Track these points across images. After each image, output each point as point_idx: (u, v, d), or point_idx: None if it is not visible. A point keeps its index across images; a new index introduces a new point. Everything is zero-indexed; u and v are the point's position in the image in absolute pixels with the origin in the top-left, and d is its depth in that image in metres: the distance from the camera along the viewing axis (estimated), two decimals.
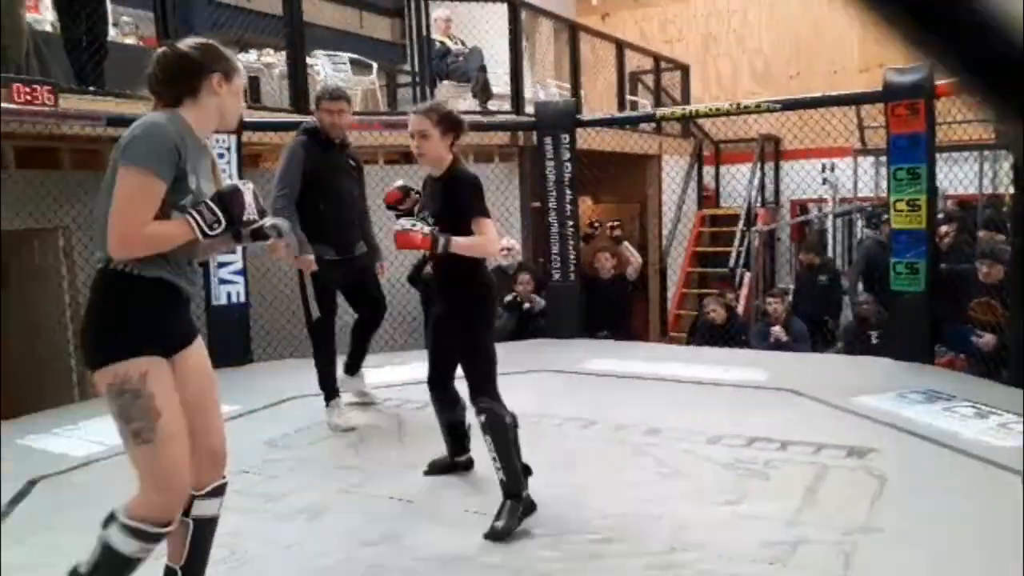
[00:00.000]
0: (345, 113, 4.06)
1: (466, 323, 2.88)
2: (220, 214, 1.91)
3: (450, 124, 2.85)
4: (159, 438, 1.88)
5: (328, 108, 4.00)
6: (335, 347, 4.13)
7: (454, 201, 2.82)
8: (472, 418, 2.96)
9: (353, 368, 4.32)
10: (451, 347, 2.96)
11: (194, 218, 1.89)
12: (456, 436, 3.27)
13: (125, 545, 1.90)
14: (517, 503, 2.77)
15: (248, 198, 1.97)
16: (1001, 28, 0.31)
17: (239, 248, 5.02)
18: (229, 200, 1.93)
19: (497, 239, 3.00)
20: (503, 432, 2.79)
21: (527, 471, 2.87)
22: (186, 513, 2.02)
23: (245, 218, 1.96)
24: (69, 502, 3.13)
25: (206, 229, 1.90)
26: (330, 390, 4.10)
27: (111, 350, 1.87)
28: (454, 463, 3.31)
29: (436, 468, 3.31)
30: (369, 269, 4.22)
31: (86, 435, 3.87)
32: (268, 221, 2.07)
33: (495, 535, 2.68)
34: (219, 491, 2.12)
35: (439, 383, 3.13)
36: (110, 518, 1.94)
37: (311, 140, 4.01)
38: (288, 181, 3.90)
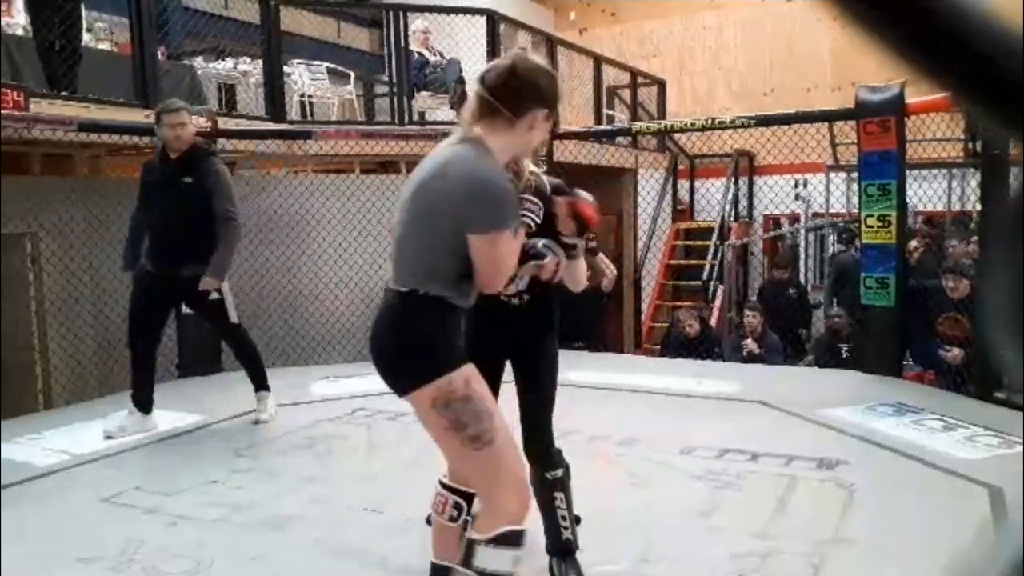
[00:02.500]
0: (187, 126, 3.99)
1: (548, 353, 2.56)
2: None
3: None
4: (498, 435, 1.84)
5: (168, 122, 3.95)
6: (154, 370, 4.17)
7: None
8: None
9: (255, 386, 4.34)
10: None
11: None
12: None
13: (503, 562, 1.82)
14: (575, 561, 2.46)
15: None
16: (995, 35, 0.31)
17: None
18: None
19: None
20: (569, 485, 2.48)
21: (577, 522, 2.54)
22: (469, 561, 1.88)
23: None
24: (31, 512, 3.06)
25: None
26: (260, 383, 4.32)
27: (433, 367, 1.82)
28: None
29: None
30: (198, 293, 3.98)
31: (49, 444, 3.79)
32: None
33: None
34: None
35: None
36: (469, 552, 1.84)
37: (158, 156, 4.09)
38: (138, 197, 4.16)
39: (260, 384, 4.30)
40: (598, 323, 6.69)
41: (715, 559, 2.57)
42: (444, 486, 2.13)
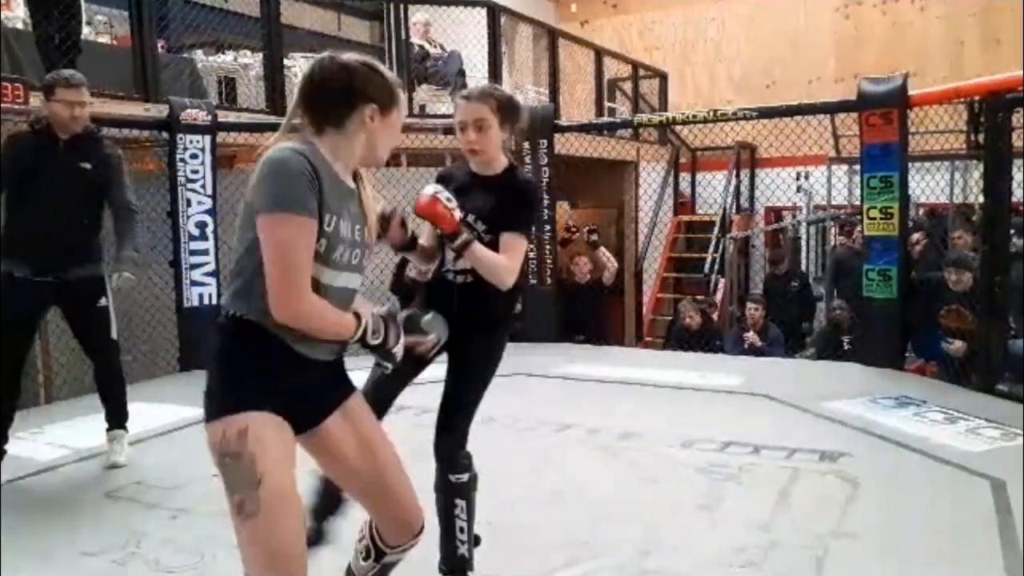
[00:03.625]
0: (85, 104, 3.35)
1: (478, 352, 2.31)
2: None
3: (511, 113, 2.28)
4: (266, 509, 1.59)
5: (66, 98, 3.27)
6: (17, 388, 3.41)
7: (503, 209, 2.22)
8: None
9: (108, 424, 3.61)
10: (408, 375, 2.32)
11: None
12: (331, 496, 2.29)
13: None
14: None
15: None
16: None
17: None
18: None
19: (517, 269, 2.21)
20: (473, 496, 2.28)
21: (477, 542, 2.34)
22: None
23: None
24: (33, 507, 3.06)
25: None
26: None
27: (227, 404, 1.60)
28: (320, 530, 2.33)
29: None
30: (88, 300, 3.43)
31: (51, 439, 3.79)
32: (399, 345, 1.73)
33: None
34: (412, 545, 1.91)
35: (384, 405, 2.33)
36: None
37: (31, 134, 3.35)
38: None
39: (120, 420, 3.60)
40: (599, 316, 6.68)
41: (717, 551, 2.57)
42: (369, 522, 1.93)
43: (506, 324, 2.41)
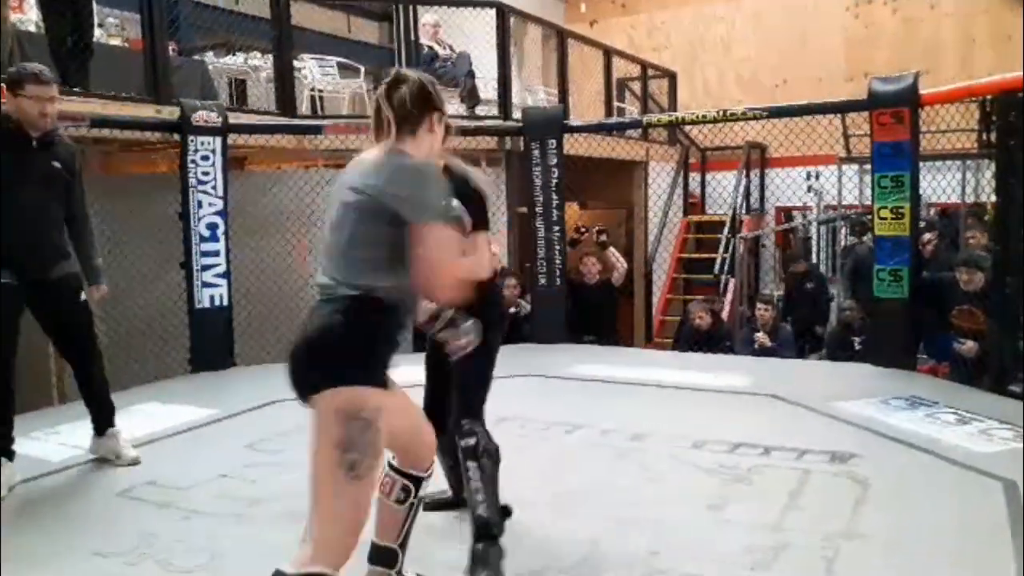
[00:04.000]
0: (55, 101, 3.23)
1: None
2: None
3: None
4: (371, 475, 1.87)
5: (36, 94, 3.15)
6: (13, 390, 3.32)
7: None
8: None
9: (97, 428, 3.57)
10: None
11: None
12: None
13: None
14: (499, 548, 2.41)
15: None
16: None
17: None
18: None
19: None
20: (495, 461, 2.49)
21: (506, 512, 2.56)
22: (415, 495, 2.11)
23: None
24: (46, 507, 3.09)
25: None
26: None
27: (354, 375, 1.87)
28: (459, 498, 2.77)
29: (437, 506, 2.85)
30: (70, 298, 3.39)
31: (64, 439, 3.81)
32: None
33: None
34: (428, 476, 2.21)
35: (442, 411, 2.58)
36: None
37: (3, 134, 3.19)
38: None
39: (112, 418, 3.58)
40: (609, 317, 6.68)
41: (727, 552, 2.56)
42: (393, 468, 2.16)
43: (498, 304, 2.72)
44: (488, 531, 2.42)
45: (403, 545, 2.15)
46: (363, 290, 1.84)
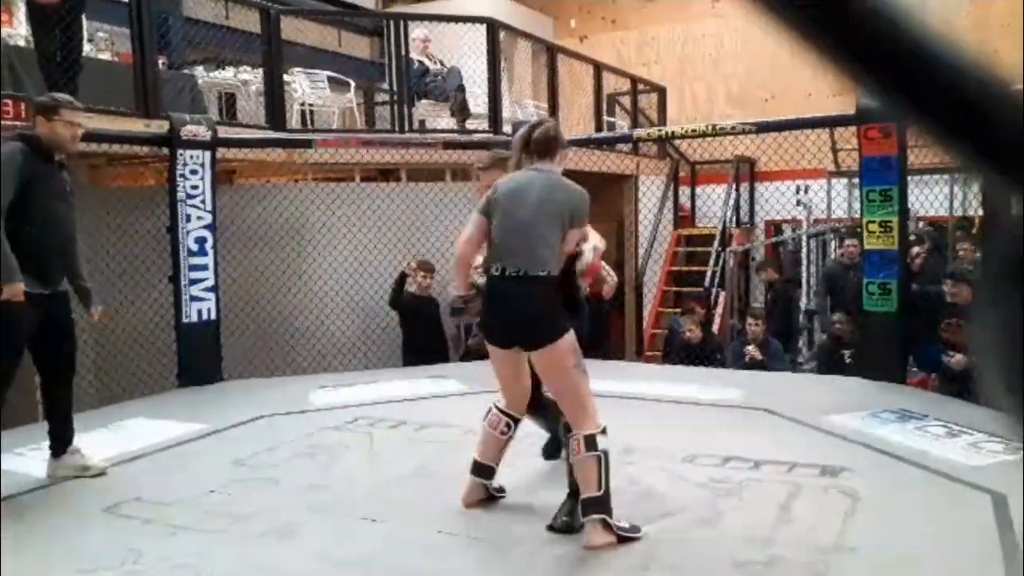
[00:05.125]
0: (83, 127, 3.52)
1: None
2: None
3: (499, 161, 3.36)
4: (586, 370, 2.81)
5: (71, 119, 3.41)
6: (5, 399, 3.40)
7: None
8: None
9: (58, 448, 3.56)
10: None
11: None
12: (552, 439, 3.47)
13: (605, 442, 2.75)
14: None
15: None
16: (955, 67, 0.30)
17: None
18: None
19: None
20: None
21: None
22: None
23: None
24: (31, 523, 3.05)
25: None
26: None
27: (563, 326, 2.75)
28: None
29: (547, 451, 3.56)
30: (67, 313, 3.54)
31: (48, 455, 3.76)
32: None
33: (564, 529, 2.84)
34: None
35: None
36: (591, 441, 2.71)
37: (31, 151, 3.34)
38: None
39: (71, 436, 3.59)
40: (600, 330, 6.67)
41: (718, 566, 2.55)
42: (500, 410, 3.05)
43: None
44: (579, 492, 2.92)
45: (497, 464, 3.03)
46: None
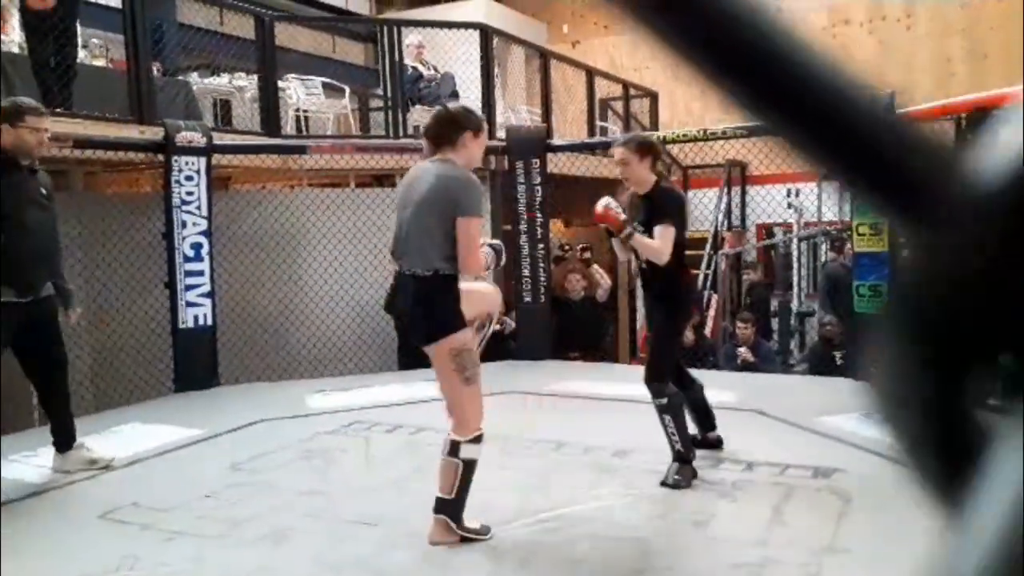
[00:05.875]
0: (48, 132, 3.54)
1: (659, 317, 3.47)
2: (494, 256, 2.85)
3: (646, 150, 3.37)
4: (479, 380, 2.76)
5: (35, 126, 3.42)
6: None
7: (652, 211, 3.30)
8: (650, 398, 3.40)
9: (63, 444, 3.67)
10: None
11: (490, 254, 2.82)
12: (700, 413, 3.73)
13: (474, 452, 2.75)
14: (688, 466, 3.34)
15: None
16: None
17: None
18: (499, 248, 2.91)
19: (669, 249, 3.28)
20: (679, 410, 3.38)
21: (696, 442, 3.54)
22: (456, 454, 2.73)
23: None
24: (27, 529, 3.06)
25: (491, 264, 2.84)
26: None
27: (453, 325, 2.69)
28: (705, 439, 3.72)
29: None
30: (53, 316, 3.60)
31: (44, 461, 3.77)
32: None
33: (672, 484, 3.27)
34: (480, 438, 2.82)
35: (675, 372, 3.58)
36: (455, 448, 2.73)
37: None
38: None
39: (74, 434, 3.71)
40: (594, 333, 6.71)
41: (712, 569, 2.58)
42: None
43: (678, 297, 3.47)
44: (682, 458, 3.34)
45: (454, 454, 2.79)
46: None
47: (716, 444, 3.75)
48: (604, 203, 3.29)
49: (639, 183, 3.37)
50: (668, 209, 3.30)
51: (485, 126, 2.86)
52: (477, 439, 2.76)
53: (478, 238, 2.72)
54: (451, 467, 2.73)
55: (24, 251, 3.38)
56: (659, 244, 3.24)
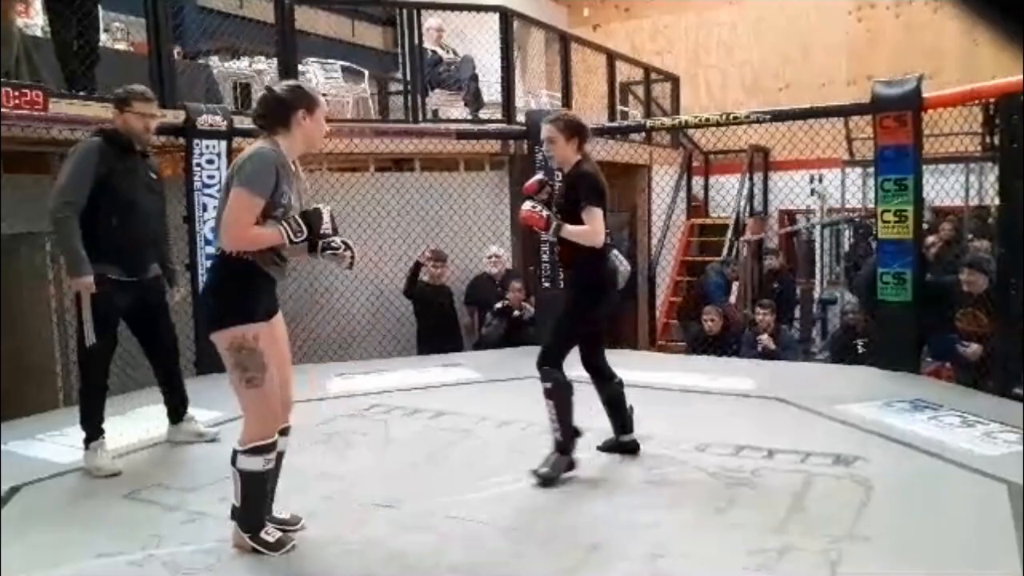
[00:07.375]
0: (157, 117, 3.69)
1: (568, 301, 3.38)
2: (304, 228, 2.51)
3: (574, 130, 3.30)
4: (266, 383, 2.52)
5: (142, 111, 3.56)
6: (106, 381, 3.62)
7: (573, 194, 3.27)
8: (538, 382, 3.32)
9: (175, 416, 3.91)
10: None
11: (285, 228, 2.49)
12: (614, 412, 3.55)
13: (256, 464, 2.55)
14: (565, 457, 3.28)
15: (326, 218, 2.56)
16: None
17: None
18: (312, 217, 2.54)
19: (602, 230, 3.23)
20: (565, 397, 3.28)
21: (577, 433, 3.33)
22: (234, 462, 2.57)
23: (322, 232, 2.55)
24: (51, 508, 3.10)
25: (292, 237, 2.50)
26: (92, 430, 3.51)
27: (230, 317, 2.49)
28: (619, 443, 3.56)
29: (605, 447, 3.59)
30: (161, 296, 3.78)
31: (70, 441, 3.82)
32: (339, 239, 2.60)
33: (541, 476, 3.19)
34: (287, 431, 2.73)
35: (589, 364, 3.52)
36: (233, 458, 2.56)
37: (108, 144, 3.51)
38: (74, 188, 3.39)
39: (186, 407, 3.95)
40: (612, 320, 6.67)
41: (731, 555, 2.57)
42: None
43: (590, 286, 3.35)
44: (560, 448, 3.27)
45: (233, 464, 2.62)
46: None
47: (632, 449, 3.54)
48: (527, 207, 3.31)
49: (562, 162, 3.36)
50: (588, 191, 3.24)
51: (322, 101, 2.65)
52: (257, 450, 2.53)
53: (243, 212, 2.43)
54: (234, 476, 2.57)
55: (132, 234, 3.53)
56: (589, 228, 3.21)
